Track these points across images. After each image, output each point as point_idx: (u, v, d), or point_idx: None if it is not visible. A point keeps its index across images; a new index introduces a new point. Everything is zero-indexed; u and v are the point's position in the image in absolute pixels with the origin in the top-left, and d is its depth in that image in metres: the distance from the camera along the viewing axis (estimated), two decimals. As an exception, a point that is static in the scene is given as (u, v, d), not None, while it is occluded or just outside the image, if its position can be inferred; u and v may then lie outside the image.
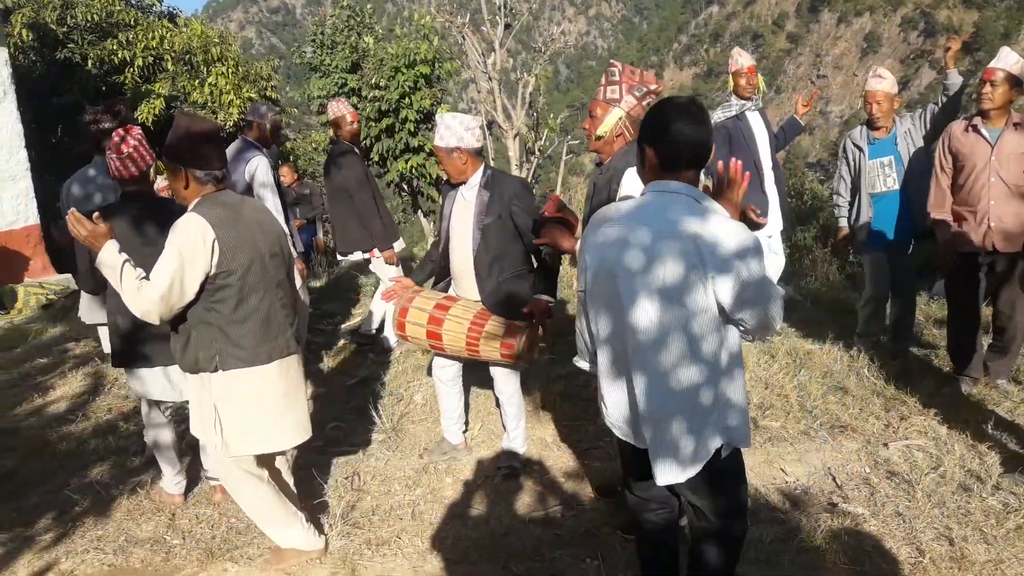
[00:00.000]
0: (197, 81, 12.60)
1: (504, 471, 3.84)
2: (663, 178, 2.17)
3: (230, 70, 12.70)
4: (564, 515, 3.47)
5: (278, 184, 5.09)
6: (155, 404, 3.62)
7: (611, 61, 3.16)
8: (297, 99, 16.15)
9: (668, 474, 2.15)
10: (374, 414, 4.60)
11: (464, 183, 3.61)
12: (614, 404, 2.27)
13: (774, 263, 5.37)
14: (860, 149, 4.79)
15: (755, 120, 5.28)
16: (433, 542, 3.30)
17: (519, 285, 3.60)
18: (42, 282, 9.74)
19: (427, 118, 13.00)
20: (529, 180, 4.43)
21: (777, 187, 5.37)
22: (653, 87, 3.08)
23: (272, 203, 4.86)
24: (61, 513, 3.72)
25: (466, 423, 4.33)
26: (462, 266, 3.69)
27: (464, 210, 3.64)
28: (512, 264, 3.61)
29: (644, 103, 3.06)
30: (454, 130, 3.46)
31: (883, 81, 4.65)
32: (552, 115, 12.78)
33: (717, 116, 5.19)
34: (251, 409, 2.91)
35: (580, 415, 4.40)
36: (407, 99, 12.68)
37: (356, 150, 5.41)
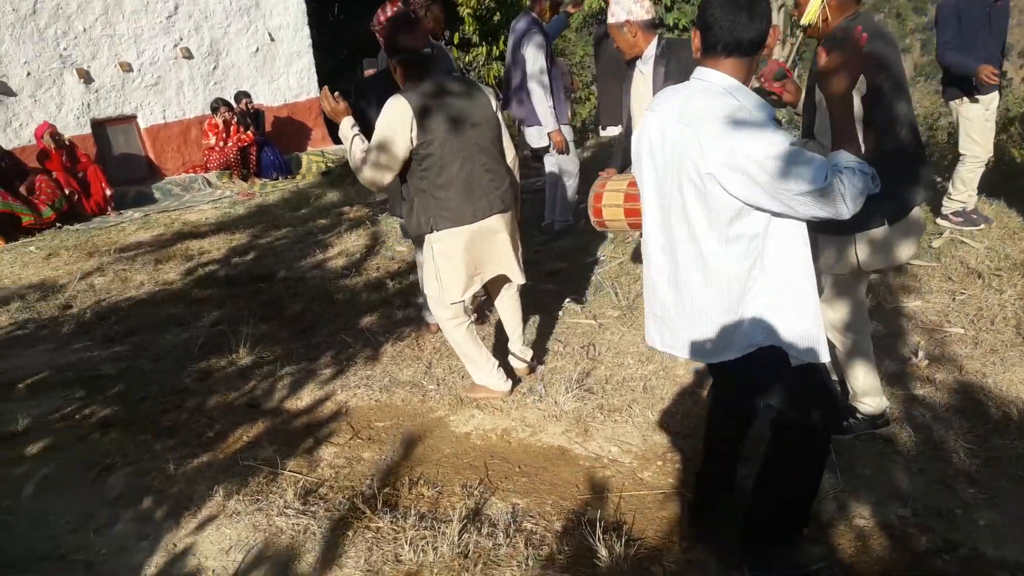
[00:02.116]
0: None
1: None
2: (703, 64, 2.06)
3: None
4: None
5: (548, 54, 5.26)
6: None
7: None
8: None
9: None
10: (611, 291, 4.73)
11: (639, 58, 3.53)
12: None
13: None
14: None
15: None
16: (663, 415, 3.40)
17: None
18: (323, 151, 10.80)
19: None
20: (791, 60, 4.08)
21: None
22: None
23: (538, 82, 5.15)
24: (338, 353, 4.29)
25: None
26: None
27: (642, 85, 3.56)
28: None
29: None
30: (623, 4, 3.44)
31: None
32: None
33: None
34: (460, 262, 3.35)
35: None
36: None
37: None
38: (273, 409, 3.74)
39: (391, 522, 2.73)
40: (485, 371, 3.66)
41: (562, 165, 5.69)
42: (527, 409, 3.52)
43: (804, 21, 2.75)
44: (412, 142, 3.16)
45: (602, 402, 3.54)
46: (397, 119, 3.13)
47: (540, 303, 4.71)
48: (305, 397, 3.84)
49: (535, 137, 5.59)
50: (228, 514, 2.86)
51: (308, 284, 5.43)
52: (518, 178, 3.64)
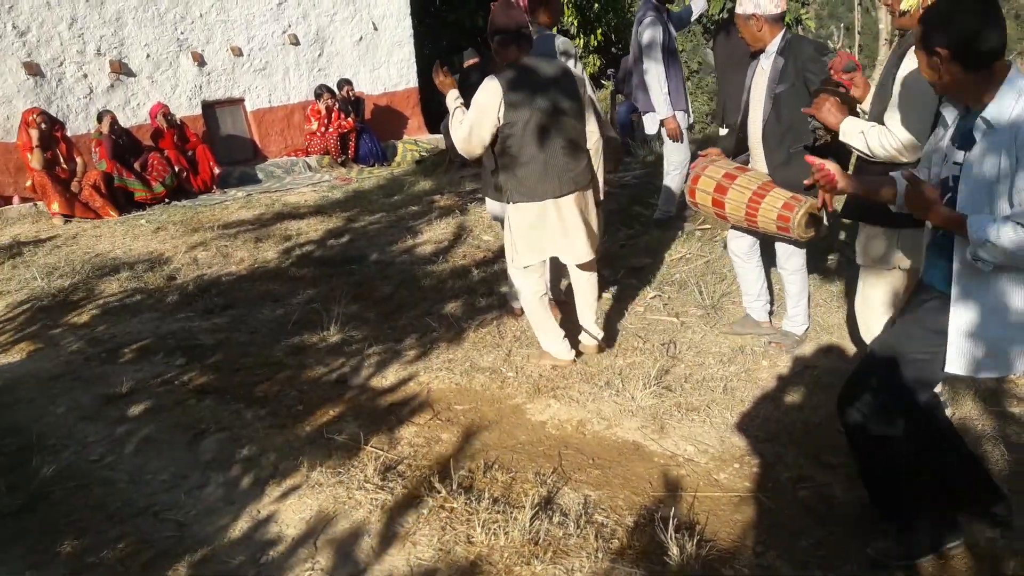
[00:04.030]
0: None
1: (772, 344, 3.94)
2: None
3: None
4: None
5: (668, 46, 5.25)
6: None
7: None
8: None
9: None
10: (695, 289, 4.67)
11: (763, 51, 3.51)
12: None
13: None
14: None
15: None
16: (742, 418, 3.35)
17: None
18: (417, 140, 11.00)
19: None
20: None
21: None
22: None
23: (654, 67, 5.20)
24: (422, 336, 4.39)
25: (771, 301, 4.22)
26: (755, 137, 3.62)
27: (761, 78, 3.53)
28: (807, 137, 3.33)
29: None
30: None
31: None
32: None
33: None
34: (532, 232, 3.62)
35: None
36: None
37: None
38: (359, 386, 3.87)
39: (465, 503, 2.79)
40: (551, 338, 3.88)
41: (671, 155, 5.62)
42: (603, 402, 3.53)
43: (904, 6, 2.66)
44: (499, 121, 3.46)
45: (680, 400, 3.51)
46: (488, 100, 3.43)
47: (622, 298, 4.70)
48: (389, 376, 3.95)
49: (650, 123, 5.57)
50: (311, 485, 2.99)
51: (397, 268, 5.57)
52: (600, 161, 3.77)
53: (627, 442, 3.23)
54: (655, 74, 5.26)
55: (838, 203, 4.00)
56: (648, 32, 5.24)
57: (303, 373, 4.02)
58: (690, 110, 5.65)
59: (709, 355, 3.95)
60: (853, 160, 3.08)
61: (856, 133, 2.78)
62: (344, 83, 10.33)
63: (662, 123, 5.41)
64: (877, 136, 2.71)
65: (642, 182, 7.26)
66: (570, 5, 12.76)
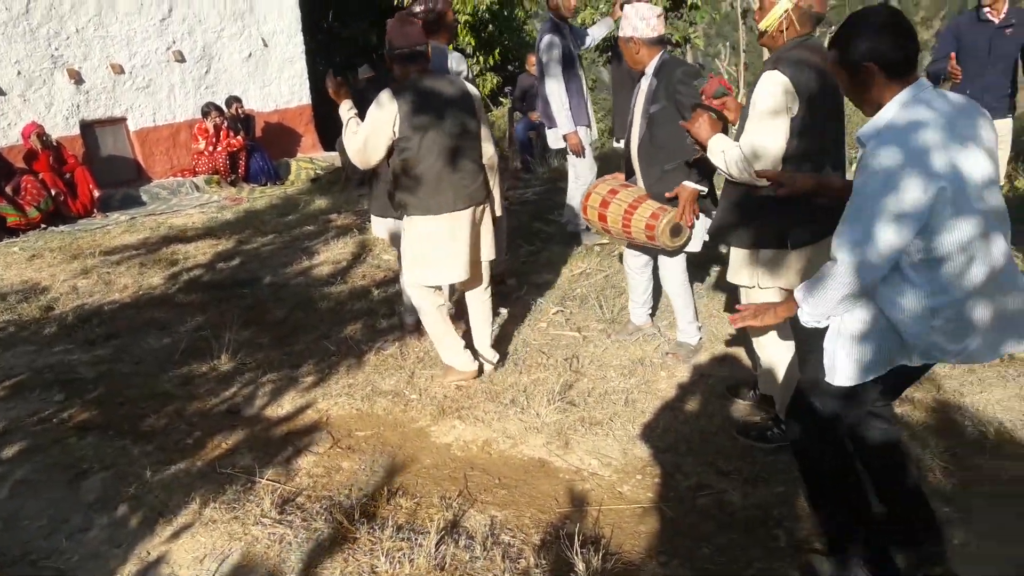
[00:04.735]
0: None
1: (669, 355, 4.05)
2: (899, 88, 2.01)
3: None
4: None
5: (570, 63, 5.35)
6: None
7: None
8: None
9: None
10: (596, 303, 4.73)
11: (643, 73, 3.67)
12: (979, 318, 2.04)
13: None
14: None
15: None
16: (644, 429, 3.40)
17: (684, 175, 3.54)
18: (312, 157, 10.78)
19: (677, 4, 12.41)
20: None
21: None
22: None
23: (554, 84, 5.30)
24: (320, 360, 4.27)
25: (654, 308, 4.45)
26: (635, 154, 3.77)
27: (640, 98, 3.69)
28: (679, 154, 3.49)
29: None
30: (630, 19, 3.57)
31: None
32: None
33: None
34: (421, 247, 3.62)
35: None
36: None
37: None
38: (253, 416, 3.72)
39: (368, 533, 2.71)
40: (453, 351, 3.87)
41: (577, 168, 5.68)
42: (508, 420, 3.51)
43: (763, 26, 2.79)
44: (395, 135, 3.48)
45: (584, 415, 3.53)
46: (383, 113, 3.44)
47: (525, 314, 4.71)
48: (286, 405, 3.82)
49: (553, 139, 5.63)
50: (204, 522, 2.84)
51: (292, 291, 5.41)
52: (496, 178, 3.82)
53: (533, 459, 3.22)
54: (556, 90, 5.34)
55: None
56: (548, 49, 5.32)
57: (192, 404, 3.83)
58: (593, 125, 5.74)
59: (611, 368, 4.00)
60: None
61: (718, 152, 2.85)
62: (233, 100, 10.03)
63: (565, 138, 5.49)
64: (735, 158, 2.78)
65: (542, 198, 7.33)
66: (465, 26, 12.83)
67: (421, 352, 4.27)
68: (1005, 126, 4.88)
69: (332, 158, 10.37)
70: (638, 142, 3.70)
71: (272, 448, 3.39)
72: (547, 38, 5.35)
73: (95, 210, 8.38)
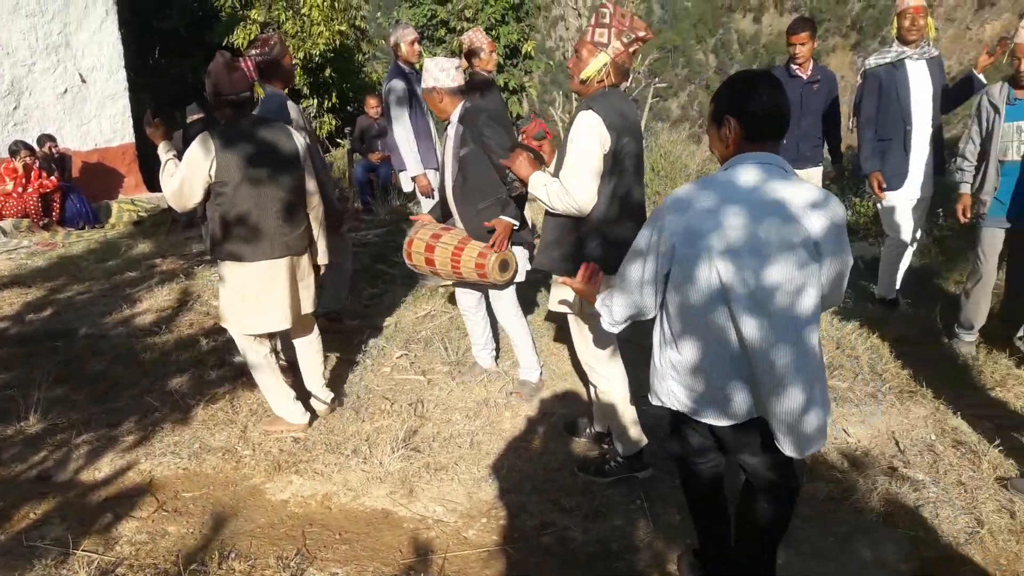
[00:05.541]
0: (291, 11, 12.71)
1: (513, 395, 4.10)
2: (747, 149, 2.11)
3: (325, 2, 12.68)
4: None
5: (417, 106, 5.35)
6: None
7: (603, 2, 3.04)
8: (388, 28, 16.18)
9: (791, 448, 2.11)
10: (440, 345, 4.71)
11: (449, 121, 3.87)
12: (709, 378, 2.14)
13: (909, 229, 4.95)
14: (996, 109, 4.15)
15: (916, 70, 4.69)
16: (489, 471, 3.39)
17: (498, 212, 3.75)
18: (134, 199, 10.15)
19: (513, 53, 12.86)
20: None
21: (933, 150, 4.78)
22: (641, 34, 2.98)
23: (401, 128, 5.27)
24: (142, 417, 3.97)
25: (497, 349, 4.52)
26: (450, 197, 3.94)
27: (449, 144, 3.87)
28: (492, 192, 3.75)
29: (631, 50, 2.98)
30: (431, 72, 3.79)
31: None
32: (639, 57, 12.45)
33: (870, 62, 4.83)
34: (237, 295, 3.54)
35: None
36: (494, 32, 12.57)
37: (494, 81, 5.43)
38: (66, 482, 3.38)
39: (196, 603, 2.52)
40: (282, 401, 3.77)
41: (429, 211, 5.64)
42: (350, 472, 3.40)
43: (584, 75, 2.96)
44: (211, 178, 3.41)
45: (429, 460, 3.48)
46: (199, 154, 3.37)
47: (368, 359, 4.61)
48: (103, 467, 3.51)
49: (404, 182, 5.62)
50: (3, 607, 2.53)
51: (112, 342, 5.01)
52: (320, 227, 3.76)
53: (376, 511, 3.13)
54: (403, 134, 5.34)
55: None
56: (395, 94, 5.32)
57: (-7, 473, 3.44)
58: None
59: (456, 411, 3.98)
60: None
61: (541, 186, 3.03)
62: (46, 139, 9.28)
63: (414, 180, 5.48)
64: (556, 191, 2.96)
65: (384, 240, 7.25)
66: (301, 70, 12.65)
67: (254, 404, 4.07)
68: (817, 173, 5.34)
69: (158, 199, 9.81)
70: (452, 185, 3.88)
71: (88, 516, 3.10)
72: (392, 83, 5.35)
73: None
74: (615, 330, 2.37)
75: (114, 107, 10.55)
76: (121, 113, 10.65)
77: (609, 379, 3.22)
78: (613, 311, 2.32)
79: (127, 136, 10.68)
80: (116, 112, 10.59)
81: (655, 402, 2.31)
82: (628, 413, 3.23)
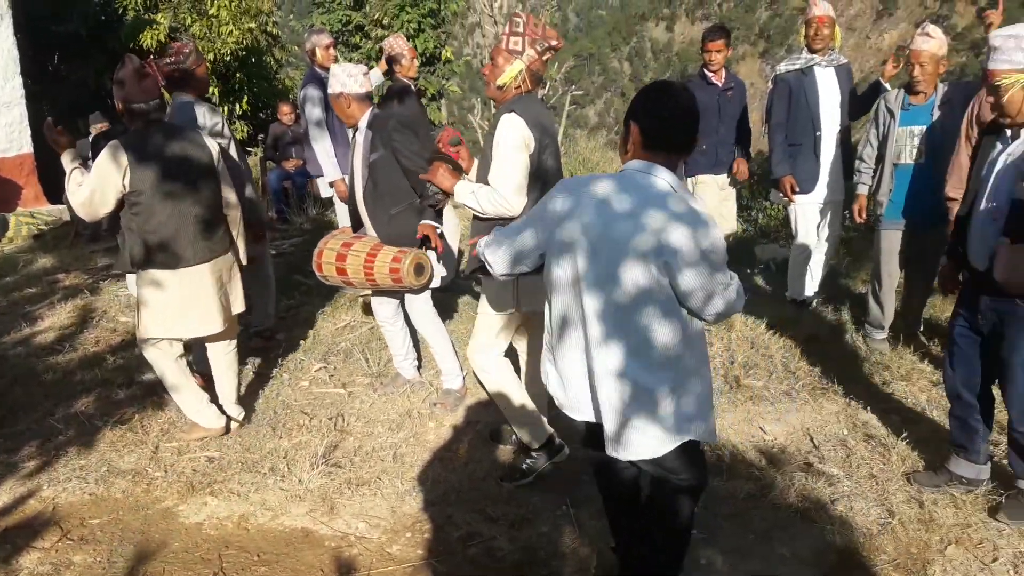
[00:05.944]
0: (196, 13, 12.34)
1: (437, 405, 4.06)
2: (645, 157, 2.15)
3: (232, 2, 12.37)
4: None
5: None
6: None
7: (515, 11, 3.13)
8: (302, 34, 15.88)
9: (611, 447, 2.19)
10: (361, 357, 4.62)
11: (356, 127, 3.87)
12: (564, 373, 2.26)
13: (816, 232, 5.07)
14: (892, 114, 4.31)
15: (825, 77, 4.79)
16: (413, 484, 3.33)
17: (411, 217, 3.74)
18: (34, 212, 9.66)
19: (430, 61, 12.81)
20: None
21: (842, 154, 4.87)
22: (554, 43, 3.07)
23: (318, 133, 5.22)
24: (45, 441, 3.76)
25: (419, 358, 4.48)
26: (361, 204, 3.92)
27: (358, 151, 3.86)
28: (403, 198, 3.76)
29: (544, 58, 3.06)
30: (339, 77, 3.79)
31: (930, 40, 4.12)
32: (556, 65, 12.56)
33: (780, 68, 4.94)
34: (159, 302, 3.48)
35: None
36: (412, 41, 12.52)
37: (412, 88, 5.33)
38: (-43, 515, 3.17)
39: (103, 637, 2.38)
40: (196, 405, 3.70)
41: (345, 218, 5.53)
42: (268, 491, 3.29)
43: (500, 82, 3.01)
44: (125, 188, 3.35)
45: (350, 476, 3.40)
46: (111, 165, 3.30)
47: (285, 373, 4.49)
48: (2, 496, 3.31)
49: (323, 187, 5.53)
50: None
51: (11, 363, 4.73)
52: (240, 229, 3.76)
53: (296, 530, 3.04)
54: (320, 140, 5.27)
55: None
56: (311, 99, 5.23)
57: None
58: None
59: (378, 423, 3.91)
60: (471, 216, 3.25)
61: (468, 194, 3.03)
62: (-67, 148, 8.73)
63: (332, 185, 5.39)
64: (486, 195, 2.98)
65: (300, 250, 7.08)
66: (212, 74, 12.28)
67: (165, 423, 3.91)
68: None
69: (59, 211, 9.33)
70: (362, 191, 3.84)
71: (-18, 551, 2.90)
72: (308, 88, 5.28)
73: None
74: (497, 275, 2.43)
75: (10, 115, 9.99)
76: (18, 122, 10.09)
77: (488, 371, 3.24)
78: (496, 260, 2.38)
79: (24, 146, 10.13)
80: (13, 121, 10.03)
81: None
82: (522, 401, 3.26)
